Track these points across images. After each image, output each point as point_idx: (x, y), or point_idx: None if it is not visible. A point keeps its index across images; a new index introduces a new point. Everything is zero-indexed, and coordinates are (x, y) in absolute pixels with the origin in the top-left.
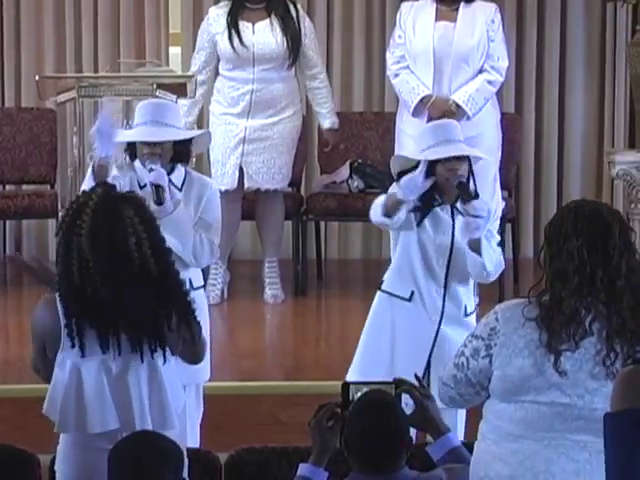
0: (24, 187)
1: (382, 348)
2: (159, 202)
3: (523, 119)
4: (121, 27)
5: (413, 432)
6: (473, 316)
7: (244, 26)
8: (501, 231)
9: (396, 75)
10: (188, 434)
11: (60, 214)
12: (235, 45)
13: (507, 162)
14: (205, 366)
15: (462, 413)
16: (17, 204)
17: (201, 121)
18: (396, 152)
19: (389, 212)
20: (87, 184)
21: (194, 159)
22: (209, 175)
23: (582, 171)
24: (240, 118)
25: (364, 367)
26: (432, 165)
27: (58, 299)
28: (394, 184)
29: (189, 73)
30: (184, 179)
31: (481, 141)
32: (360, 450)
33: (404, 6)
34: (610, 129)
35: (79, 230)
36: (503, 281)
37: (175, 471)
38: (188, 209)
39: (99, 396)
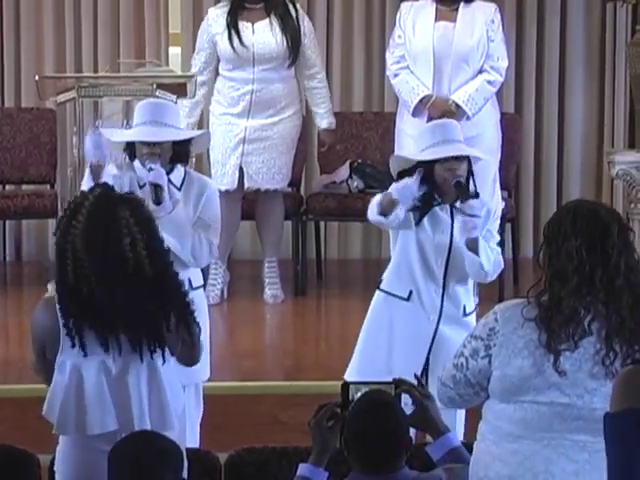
0: (24, 187)
1: (380, 347)
2: (157, 201)
3: (523, 119)
4: (121, 27)
5: (413, 432)
6: (473, 316)
7: (244, 26)
8: (501, 231)
9: (396, 75)
10: (188, 434)
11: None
12: (235, 45)
13: (507, 162)
14: (204, 366)
15: (461, 413)
16: (17, 204)
17: (201, 121)
18: (396, 152)
19: (384, 211)
20: (86, 184)
21: (194, 159)
22: (209, 175)
23: (582, 171)
24: (240, 118)
25: (362, 366)
26: (431, 165)
27: (56, 299)
28: (393, 184)
29: (189, 73)
30: (183, 179)
31: (481, 141)
32: (360, 450)
33: (404, 6)
34: (610, 129)
35: (74, 230)
36: (503, 281)
37: (175, 471)
38: (187, 209)
39: (99, 397)
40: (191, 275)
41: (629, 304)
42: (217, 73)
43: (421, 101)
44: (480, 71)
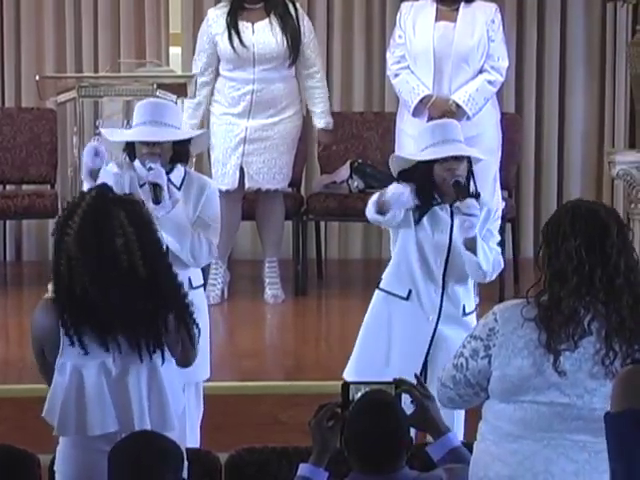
0: (24, 187)
1: (379, 346)
2: (157, 201)
3: (523, 119)
4: (121, 27)
5: (413, 432)
6: (473, 316)
7: (244, 26)
8: (501, 231)
9: (396, 75)
10: (188, 434)
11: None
12: (235, 45)
13: (507, 162)
14: (204, 365)
15: (460, 413)
16: (17, 204)
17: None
18: (396, 152)
19: (381, 210)
20: (86, 186)
21: (194, 159)
22: (209, 175)
23: (582, 171)
24: (241, 118)
25: (361, 365)
26: (430, 165)
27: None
28: (392, 185)
29: (190, 73)
30: (183, 179)
31: (481, 141)
32: (360, 450)
33: (404, 6)
34: (610, 129)
35: (69, 230)
36: (503, 281)
37: (175, 471)
38: (187, 208)
39: (99, 398)
40: (191, 275)
41: (629, 304)
42: (218, 74)
43: (421, 101)
44: (480, 71)
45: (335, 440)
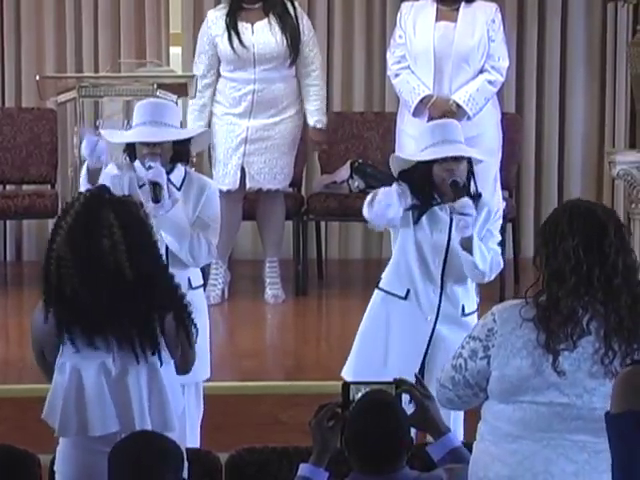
0: (24, 187)
1: (377, 346)
2: (156, 200)
3: (524, 119)
4: (122, 27)
5: (413, 432)
6: (473, 316)
7: (243, 27)
8: (502, 231)
9: (397, 75)
10: (188, 434)
11: None
12: (235, 46)
13: (508, 162)
14: (204, 365)
15: (459, 414)
16: (17, 204)
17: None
18: (397, 152)
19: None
20: (82, 186)
21: (194, 159)
22: (210, 175)
23: (583, 171)
24: (242, 118)
25: (359, 364)
26: (430, 165)
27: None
28: (394, 184)
29: (190, 73)
30: (183, 178)
31: (482, 141)
32: (361, 450)
33: (404, 6)
34: (611, 129)
35: (61, 231)
36: (504, 281)
37: (175, 471)
38: (187, 208)
39: (99, 398)
40: (191, 275)
41: (627, 303)
42: (219, 74)
43: (422, 101)
44: (481, 71)
45: (335, 440)
